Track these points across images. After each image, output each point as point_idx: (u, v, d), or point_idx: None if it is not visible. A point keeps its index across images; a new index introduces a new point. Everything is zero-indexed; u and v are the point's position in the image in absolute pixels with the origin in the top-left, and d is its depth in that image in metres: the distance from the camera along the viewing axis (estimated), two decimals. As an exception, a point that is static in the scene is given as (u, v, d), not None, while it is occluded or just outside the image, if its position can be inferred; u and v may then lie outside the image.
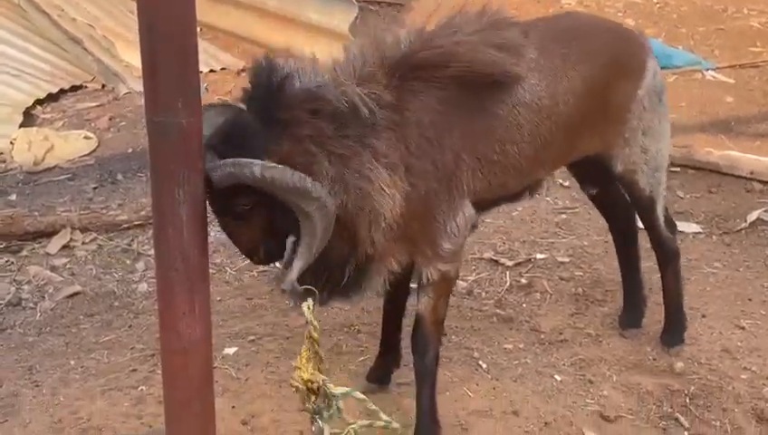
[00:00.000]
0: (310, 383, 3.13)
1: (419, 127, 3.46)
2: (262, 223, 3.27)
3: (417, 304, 3.77)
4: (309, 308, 3.12)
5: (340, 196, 3.28)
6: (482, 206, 3.82)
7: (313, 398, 3.16)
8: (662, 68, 9.13)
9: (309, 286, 3.15)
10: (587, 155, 4.17)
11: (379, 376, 4.32)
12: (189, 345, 3.13)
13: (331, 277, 3.46)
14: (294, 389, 3.17)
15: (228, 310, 5.01)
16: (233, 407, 4.18)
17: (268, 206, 3.17)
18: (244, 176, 2.97)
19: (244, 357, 4.58)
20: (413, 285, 3.94)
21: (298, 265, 3.18)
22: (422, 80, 3.50)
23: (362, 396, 3.23)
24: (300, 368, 3.15)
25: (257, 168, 2.96)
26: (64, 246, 5.65)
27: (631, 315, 4.80)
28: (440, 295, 3.75)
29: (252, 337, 4.75)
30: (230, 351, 4.62)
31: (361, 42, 3.57)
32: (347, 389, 3.21)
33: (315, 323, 3.11)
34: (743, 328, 4.80)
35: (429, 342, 3.79)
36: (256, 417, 4.13)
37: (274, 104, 3.20)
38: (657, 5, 11.01)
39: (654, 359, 4.55)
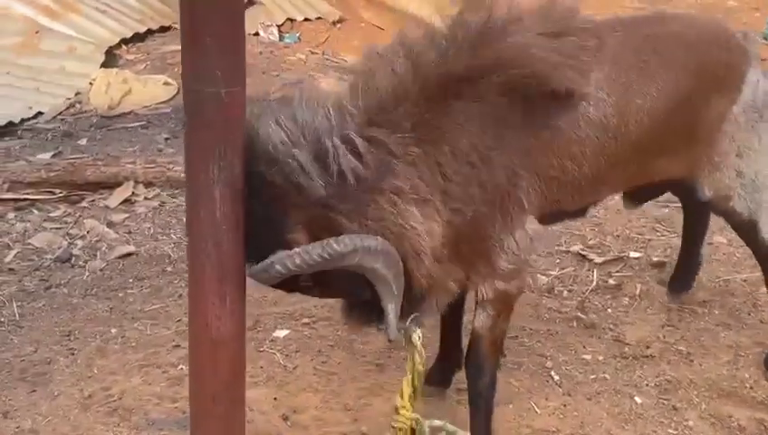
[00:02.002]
0: (414, 423, 2.92)
1: (456, 153, 3.02)
2: (333, 282, 2.93)
3: (474, 321, 3.40)
4: (419, 338, 2.94)
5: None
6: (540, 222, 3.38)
7: None
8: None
9: (416, 314, 2.98)
10: (665, 181, 3.69)
11: (439, 379, 3.92)
12: (218, 337, 2.85)
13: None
14: (400, 431, 2.94)
15: (285, 286, 4.64)
16: (275, 398, 3.84)
17: (327, 276, 2.82)
18: (276, 277, 2.69)
19: (296, 342, 4.22)
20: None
21: (390, 310, 2.87)
22: (463, 97, 3.03)
23: (453, 428, 3.05)
24: (404, 407, 2.92)
25: (279, 266, 2.65)
26: (125, 201, 5.38)
27: (682, 279, 4.53)
28: (499, 313, 3.37)
29: (306, 320, 4.39)
30: (281, 334, 4.27)
31: (394, 46, 3.09)
32: (440, 422, 3.01)
33: (423, 353, 2.94)
34: None
35: (485, 364, 3.41)
36: (298, 413, 3.77)
37: (261, 183, 2.76)
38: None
39: (751, 387, 4.01)
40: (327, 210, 2.83)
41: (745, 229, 3.88)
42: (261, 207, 2.75)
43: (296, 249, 2.67)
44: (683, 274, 4.54)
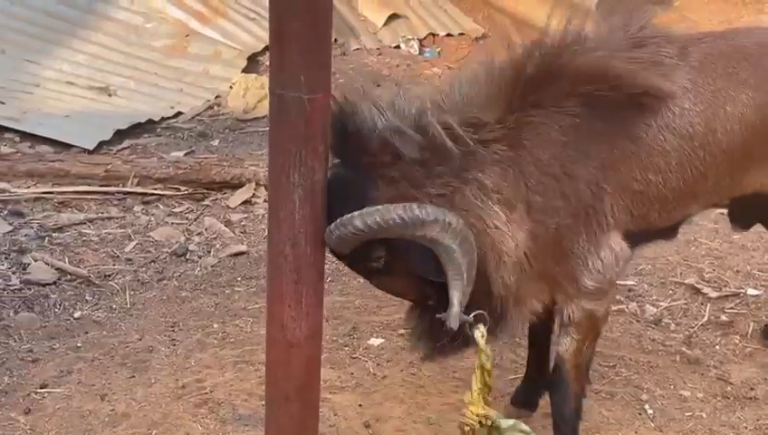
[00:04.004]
0: (484, 420, 2.91)
1: (538, 164, 3.00)
2: (406, 269, 2.95)
3: (558, 345, 3.32)
4: (482, 335, 2.89)
5: None
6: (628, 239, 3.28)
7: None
8: None
9: (479, 311, 2.89)
10: (757, 193, 3.51)
11: (525, 400, 3.85)
12: (293, 340, 2.91)
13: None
14: (468, 427, 2.93)
15: (386, 296, 4.64)
16: (360, 405, 3.87)
17: (400, 249, 2.86)
18: (352, 235, 2.68)
19: (389, 351, 4.24)
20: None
21: (455, 297, 2.84)
22: (544, 107, 3.00)
23: (527, 428, 2.96)
24: (473, 403, 2.92)
25: (358, 221, 2.66)
26: (245, 202, 5.53)
27: None
28: (585, 337, 3.28)
29: (402, 331, 4.38)
30: (375, 342, 4.30)
31: (489, 58, 3.11)
32: (513, 421, 2.97)
33: (488, 351, 2.89)
34: None
35: (569, 391, 3.34)
36: (381, 421, 3.79)
37: (356, 150, 2.87)
38: None
39: None
40: (415, 189, 2.86)
41: None
42: (350, 175, 2.84)
43: (377, 207, 2.68)
44: None
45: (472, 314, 2.87)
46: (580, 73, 3.01)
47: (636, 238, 3.32)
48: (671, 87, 3.13)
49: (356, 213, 2.66)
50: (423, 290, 3.02)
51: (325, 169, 2.77)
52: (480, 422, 2.88)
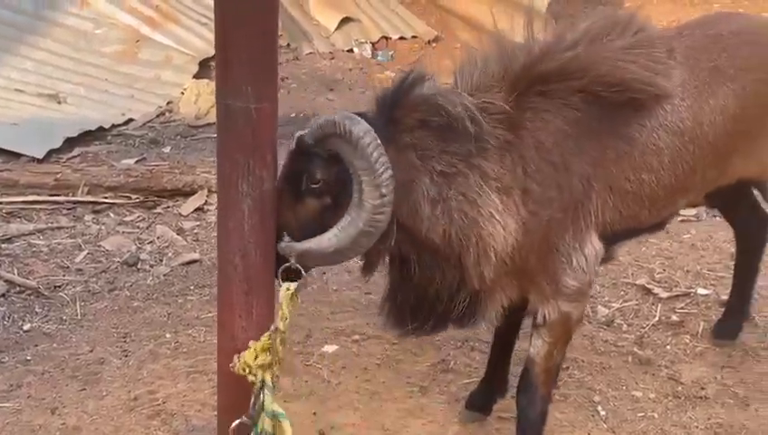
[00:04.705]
0: (248, 372, 2.67)
1: (540, 149, 3.04)
2: (318, 208, 2.89)
3: (530, 347, 3.32)
4: (287, 291, 2.67)
5: (442, 222, 2.94)
6: (610, 239, 3.30)
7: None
8: None
9: (302, 271, 2.75)
10: (740, 180, 3.60)
11: (480, 404, 3.85)
12: (244, 350, 2.84)
13: (436, 310, 3.15)
14: (231, 366, 2.71)
15: (340, 302, 4.67)
16: (314, 413, 3.85)
17: (336, 188, 2.85)
18: (330, 127, 2.78)
19: (343, 358, 4.23)
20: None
21: (319, 242, 2.79)
22: (548, 96, 3.06)
23: (288, 429, 2.67)
24: (250, 349, 2.69)
25: (339, 118, 2.77)
26: (198, 209, 5.49)
27: (728, 326, 4.37)
28: (557, 340, 3.29)
29: (357, 337, 4.39)
30: (329, 349, 4.29)
31: (489, 48, 3.17)
32: (281, 411, 2.67)
33: (287, 311, 2.65)
34: None
35: (537, 393, 3.34)
36: (336, 429, 3.77)
37: (394, 103, 2.93)
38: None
39: (811, 438, 3.83)
40: (420, 160, 2.90)
41: None
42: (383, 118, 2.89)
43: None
44: (731, 317, 4.38)
45: (283, 267, 2.75)
46: (581, 69, 3.06)
47: (624, 236, 3.39)
48: (672, 87, 3.21)
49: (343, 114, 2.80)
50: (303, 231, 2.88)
51: (274, 178, 2.77)
52: (243, 370, 2.67)
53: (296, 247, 2.76)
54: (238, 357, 2.69)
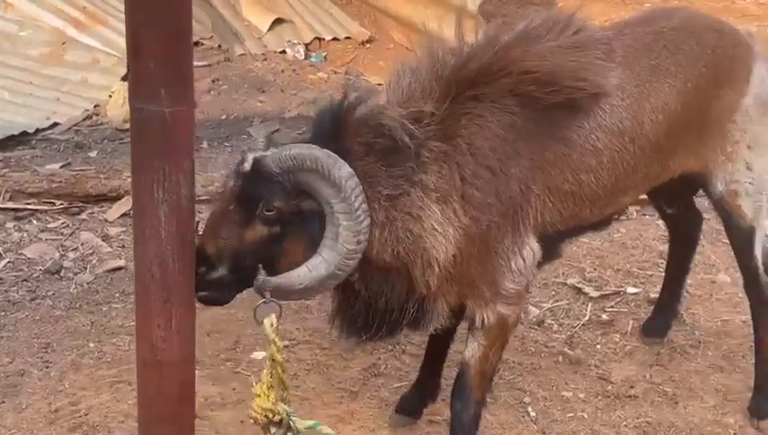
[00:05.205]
0: (270, 414, 2.75)
1: (477, 155, 3.04)
2: (266, 235, 2.88)
3: (465, 351, 3.31)
4: (271, 325, 2.74)
5: (390, 243, 2.96)
6: (554, 238, 3.34)
7: (274, 430, 2.78)
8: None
9: (274, 300, 2.77)
10: (682, 174, 3.62)
11: (411, 408, 3.83)
12: (164, 360, 2.82)
13: (387, 319, 3.14)
14: (253, 420, 2.79)
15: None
16: (241, 422, 3.77)
17: (290, 218, 2.86)
18: (307, 162, 2.77)
19: (272, 365, 4.15)
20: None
21: (289, 277, 2.82)
22: (481, 100, 3.06)
23: (331, 431, 2.87)
24: (259, 395, 2.77)
25: (321, 156, 2.77)
26: (124, 214, 5.36)
27: (657, 324, 4.42)
28: (493, 343, 3.28)
29: (286, 342, 4.31)
30: (258, 355, 4.21)
31: (420, 54, 3.18)
32: (312, 422, 2.85)
33: (279, 343, 2.75)
34: None
35: (471, 397, 3.33)
36: (265, 437, 3.70)
37: (338, 129, 2.94)
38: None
39: (735, 434, 3.86)
40: (369, 188, 2.88)
41: (744, 237, 3.78)
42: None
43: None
44: (660, 316, 4.42)
45: (261, 302, 2.77)
46: (527, 74, 3.05)
47: (567, 235, 3.41)
48: (610, 86, 3.21)
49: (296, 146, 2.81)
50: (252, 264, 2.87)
51: (191, 184, 2.70)
52: (267, 418, 2.75)
53: (271, 282, 2.76)
54: (253, 412, 2.77)
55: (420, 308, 3.13)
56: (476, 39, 3.21)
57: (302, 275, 2.82)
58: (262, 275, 2.76)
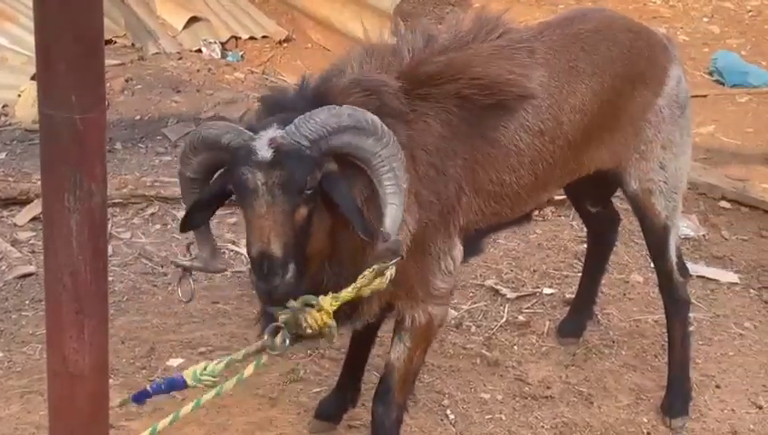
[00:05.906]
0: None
1: (426, 151, 3.06)
2: (307, 215, 2.71)
3: (390, 353, 3.30)
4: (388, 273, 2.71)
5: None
6: (474, 236, 3.38)
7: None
8: (734, 86, 8.45)
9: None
10: (597, 171, 3.68)
11: (330, 414, 3.81)
12: (76, 372, 2.72)
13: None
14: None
15: (187, 314, 4.52)
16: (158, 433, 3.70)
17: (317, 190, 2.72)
18: (344, 121, 2.69)
19: (189, 372, 4.08)
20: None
21: (390, 214, 2.72)
22: (427, 99, 3.08)
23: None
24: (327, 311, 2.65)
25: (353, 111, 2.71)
26: (34, 219, 5.22)
27: (573, 324, 4.47)
28: (419, 345, 3.29)
29: (203, 349, 4.27)
30: (174, 362, 4.15)
31: (363, 47, 3.19)
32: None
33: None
34: (760, 407, 4.13)
35: (394, 400, 3.32)
36: (180, 447, 3.65)
37: (324, 92, 2.91)
38: (750, 13, 10.16)
39: (648, 433, 3.94)
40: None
41: (658, 235, 3.85)
42: None
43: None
44: (576, 316, 4.48)
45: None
46: (475, 80, 3.09)
47: (486, 232, 3.45)
48: (536, 88, 3.26)
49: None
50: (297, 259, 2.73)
51: (103, 191, 2.63)
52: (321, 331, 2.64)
53: (399, 240, 2.73)
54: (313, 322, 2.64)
55: (354, 305, 3.00)
56: (412, 38, 3.19)
57: (397, 223, 2.73)
58: (383, 239, 2.67)
